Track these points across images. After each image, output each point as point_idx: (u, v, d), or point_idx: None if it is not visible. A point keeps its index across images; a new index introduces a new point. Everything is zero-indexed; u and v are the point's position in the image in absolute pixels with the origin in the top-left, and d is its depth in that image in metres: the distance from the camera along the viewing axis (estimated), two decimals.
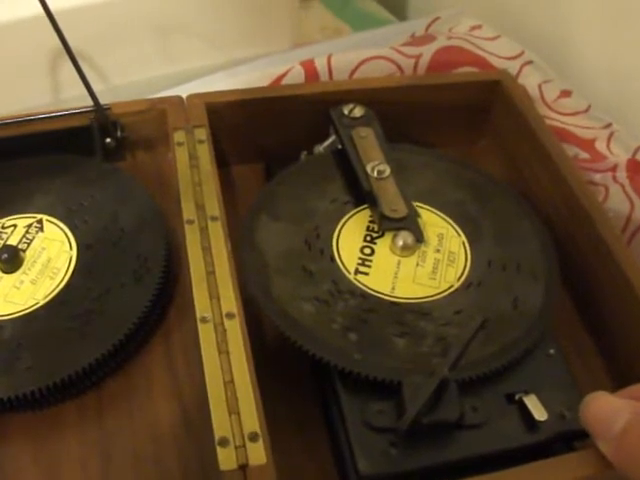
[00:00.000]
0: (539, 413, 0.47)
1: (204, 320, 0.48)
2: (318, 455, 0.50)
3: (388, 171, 0.56)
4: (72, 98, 0.75)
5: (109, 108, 0.61)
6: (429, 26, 0.85)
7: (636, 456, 0.40)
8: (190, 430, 0.51)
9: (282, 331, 0.49)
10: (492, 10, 0.85)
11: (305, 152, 0.63)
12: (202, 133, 0.59)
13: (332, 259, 0.53)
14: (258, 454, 0.43)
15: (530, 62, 0.77)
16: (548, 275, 0.54)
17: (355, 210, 0.57)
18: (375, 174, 0.56)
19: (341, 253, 0.54)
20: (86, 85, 0.59)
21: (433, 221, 0.57)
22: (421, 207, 0.58)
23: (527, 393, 0.48)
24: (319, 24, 0.92)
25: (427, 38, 0.79)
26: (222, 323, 0.48)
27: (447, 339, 0.49)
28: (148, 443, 0.50)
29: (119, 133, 0.62)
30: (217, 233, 0.53)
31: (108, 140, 0.63)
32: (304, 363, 0.53)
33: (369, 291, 0.52)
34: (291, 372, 0.53)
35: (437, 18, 0.85)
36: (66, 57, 0.58)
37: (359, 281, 0.52)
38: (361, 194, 0.57)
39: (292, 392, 0.52)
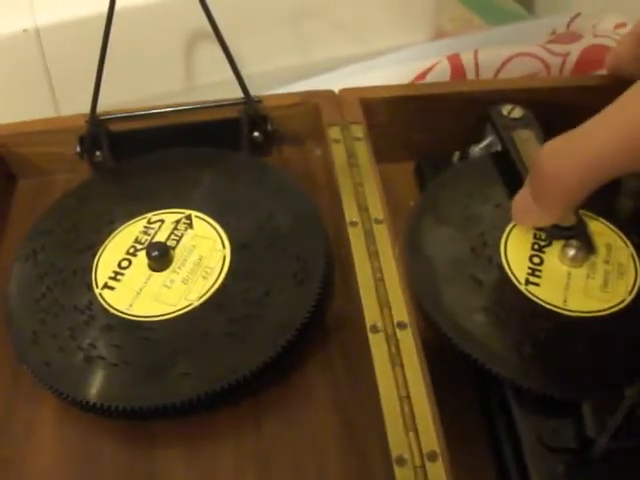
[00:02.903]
0: None
1: (375, 329, 0.46)
2: (485, 477, 0.48)
3: None
4: (204, 86, 0.73)
5: (260, 101, 0.59)
6: (570, 23, 0.81)
7: None
8: (353, 443, 0.48)
9: (454, 343, 0.47)
10: (635, 5, 0.81)
11: (458, 152, 0.61)
12: (359, 130, 0.57)
13: (501, 268, 0.51)
14: (438, 475, 0.41)
15: None
16: None
17: None
18: None
19: (510, 262, 0.51)
20: (237, 75, 0.58)
21: (599, 230, 0.54)
22: (586, 215, 0.54)
23: None
24: (449, 14, 0.89)
25: (573, 36, 0.76)
26: (394, 334, 0.46)
27: (628, 355, 0.47)
28: (309, 455, 0.48)
29: (269, 127, 0.60)
30: (383, 237, 0.51)
31: (256, 134, 0.61)
32: (465, 378, 0.51)
33: (541, 303, 0.49)
34: (453, 387, 0.50)
35: (578, 14, 0.81)
36: (200, 43, 0.56)
37: (530, 292, 0.50)
38: None
39: (455, 409, 0.49)
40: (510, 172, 0.56)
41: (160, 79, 0.75)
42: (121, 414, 0.46)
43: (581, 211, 0.54)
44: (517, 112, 0.59)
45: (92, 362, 0.48)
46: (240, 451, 0.48)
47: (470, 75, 0.72)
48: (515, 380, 0.45)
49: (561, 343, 0.47)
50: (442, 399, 0.44)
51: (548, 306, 0.49)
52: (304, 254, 0.52)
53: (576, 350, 0.47)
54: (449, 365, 0.48)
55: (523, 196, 0.48)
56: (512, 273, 0.50)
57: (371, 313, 0.47)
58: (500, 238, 0.53)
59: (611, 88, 0.61)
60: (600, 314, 0.49)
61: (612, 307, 0.50)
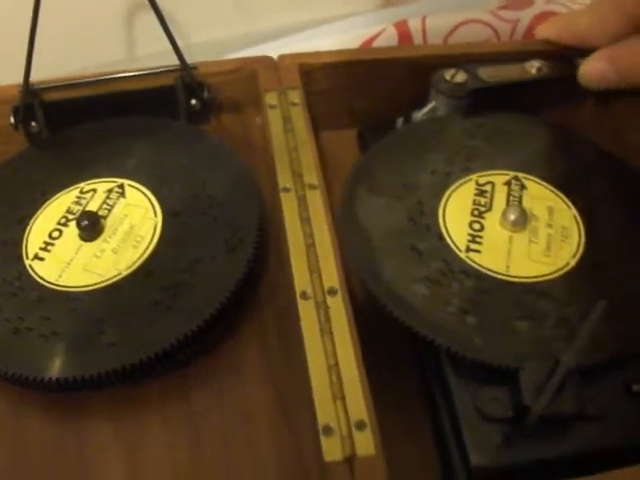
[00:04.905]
0: None
1: (304, 296, 0.45)
2: (421, 444, 0.46)
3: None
4: (147, 56, 0.72)
5: (196, 68, 0.58)
6: None
7: None
8: (285, 414, 0.47)
9: (396, 316, 0.45)
10: None
11: (401, 118, 0.59)
12: (295, 95, 0.56)
13: (440, 236, 0.49)
14: (366, 444, 0.40)
15: None
16: None
17: (459, 182, 0.53)
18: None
19: (449, 229, 0.50)
20: (172, 42, 0.56)
21: (540, 193, 0.53)
22: (527, 178, 0.54)
23: None
24: None
25: (525, 2, 0.74)
26: (324, 300, 0.45)
27: (570, 320, 0.45)
28: (240, 426, 0.47)
29: (206, 94, 0.59)
30: (316, 203, 0.49)
31: (193, 102, 0.59)
32: (400, 345, 0.50)
33: (483, 270, 0.48)
34: (387, 354, 0.49)
35: None
36: (142, 12, 0.54)
37: (471, 259, 0.48)
38: None
39: (390, 377, 0.48)
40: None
41: (103, 49, 0.73)
42: (47, 386, 0.45)
43: (520, 174, 0.53)
44: (460, 76, 0.57)
45: (20, 334, 0.47)
46: (169, 424, 0.47)
47: (418, 42, 0.70)
48: (460, 352, 0.43)
49: (503, 310, 0.46)
50: (376, 366, 0.43)
51: (490, 273, 0.48)
52: (237, 222, 0.51)
53: (518, 317, 0.46)
54: (384, 331, 0.47)
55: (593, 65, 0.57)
56: (452, 241, 0.49)
57: (301, 279, 0.46)
58: (438, 206, 0.51)
59: (556, 54, 0.60)
60: (544, 279, 0.48)
61: (556, 271, 0.48)
